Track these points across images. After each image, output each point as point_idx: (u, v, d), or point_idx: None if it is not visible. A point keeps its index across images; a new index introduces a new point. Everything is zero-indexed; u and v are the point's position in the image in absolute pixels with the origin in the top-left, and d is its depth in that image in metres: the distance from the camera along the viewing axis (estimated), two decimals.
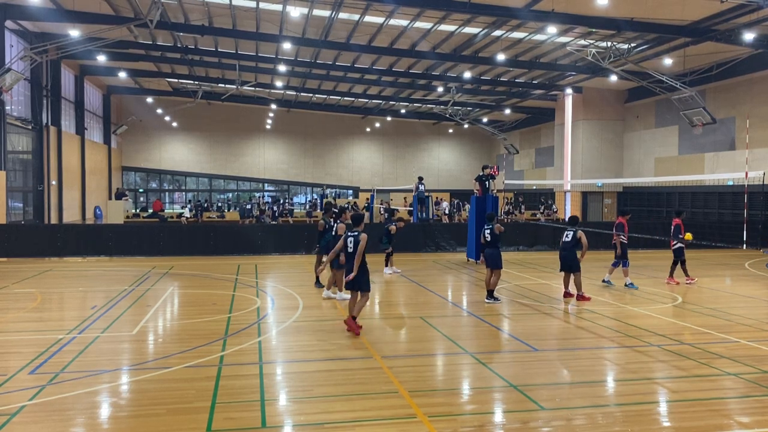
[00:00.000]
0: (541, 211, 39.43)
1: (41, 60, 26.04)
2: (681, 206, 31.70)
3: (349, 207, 34.94)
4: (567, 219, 14.08)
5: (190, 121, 47.98)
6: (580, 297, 12.73)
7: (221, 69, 35.13)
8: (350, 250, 9.77)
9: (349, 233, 9.97)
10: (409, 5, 21.58)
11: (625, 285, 14.52)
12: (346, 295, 12.34)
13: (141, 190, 51.05)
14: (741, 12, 20.18)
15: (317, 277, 14.29)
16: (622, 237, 14.76)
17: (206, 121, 48.70)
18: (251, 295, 13.48)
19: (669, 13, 21.18)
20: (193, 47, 30.29)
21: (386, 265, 17.25)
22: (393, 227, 17.13)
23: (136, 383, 7.32)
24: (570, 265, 12.96)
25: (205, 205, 42.66)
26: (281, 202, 43.06)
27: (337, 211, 14.29)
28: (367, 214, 17.87)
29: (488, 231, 12.81)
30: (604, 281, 14.91)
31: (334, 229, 12.65)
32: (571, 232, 13.12)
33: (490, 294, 12.72)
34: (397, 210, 33.46)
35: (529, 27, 24.20)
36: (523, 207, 42.12)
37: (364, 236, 9.69)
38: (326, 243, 13.11)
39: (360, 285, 9.71)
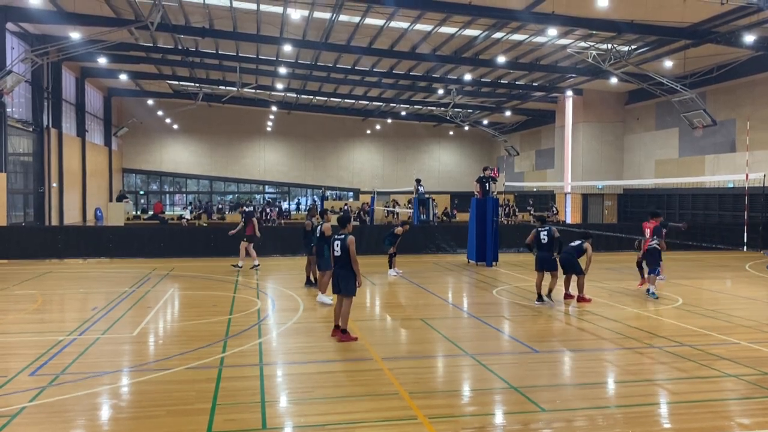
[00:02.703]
0: (530, 212, 39.40)
1: (42, 62, 26.04)
2: (682, 208, 31.75)
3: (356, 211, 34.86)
4: (580, 232, 13.94)
5: (191, 123, 47.97)
6: (581, 298, 12.75)
7: (222, 71, 35.16)
8: (337, 253, 9.37)
9: (336, 236, 9.56)
10: (409, 7, 21.61)
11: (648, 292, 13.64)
12: (326, 298, 12.35)
13: (142, 192, 51.05)
14: (741, 14, 20.18)
15: (307, 277, 14.84)
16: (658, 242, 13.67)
17: (207, 123, 48.68)
18: (252, 296, 13.48)
19: (669, 16, 21.18)
20: (193, 49, 30.32)
21: (390, 267, 17.30)
22: (399, 229, 17.29)
23: (136, 385, 7.33)
24: (570, 268, 12.96)
25: (208, 207, 42.66)
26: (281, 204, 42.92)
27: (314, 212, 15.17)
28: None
29: (545, 233, 12.48)
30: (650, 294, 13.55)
31: (319, 230, 12.65)
32: (579, 242, 13.10)
33: (540, 297, 12.52)
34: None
35: (530, 29, 24.21)
36: (516, 210, 42.24)
37: (351, 239, 9.28)
38: (312, 244, 13.55)
39: (344, 288, 9.35)
